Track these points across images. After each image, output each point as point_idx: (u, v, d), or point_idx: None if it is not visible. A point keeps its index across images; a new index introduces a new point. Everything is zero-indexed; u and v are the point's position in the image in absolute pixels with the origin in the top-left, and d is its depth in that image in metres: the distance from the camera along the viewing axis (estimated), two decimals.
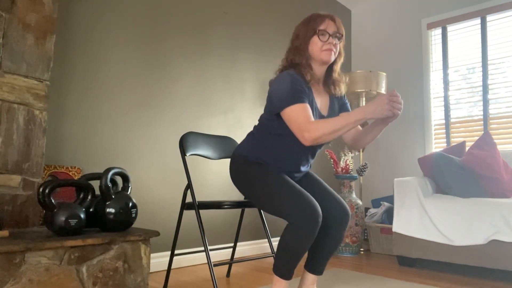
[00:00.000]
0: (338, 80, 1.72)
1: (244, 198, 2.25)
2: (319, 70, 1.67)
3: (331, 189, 1.75)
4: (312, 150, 1.70)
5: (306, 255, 1.71)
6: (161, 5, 2.65)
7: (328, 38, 1.62)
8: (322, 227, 1.64)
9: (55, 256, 1.44)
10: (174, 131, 2.66)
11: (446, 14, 3.64)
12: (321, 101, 1.70)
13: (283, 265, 1.51)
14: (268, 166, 1.63)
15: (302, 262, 2.13)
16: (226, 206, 1.87)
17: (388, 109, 1.44)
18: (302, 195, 1.48)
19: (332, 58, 1.65)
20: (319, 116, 1.66)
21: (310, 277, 1.71)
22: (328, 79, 1.72)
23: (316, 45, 1.62)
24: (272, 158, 1.65)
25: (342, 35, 1.66)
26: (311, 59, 1.64)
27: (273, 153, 1.65)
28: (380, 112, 1.44)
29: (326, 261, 1.70)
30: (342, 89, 1.74)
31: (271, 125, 1.65)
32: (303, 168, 1.73)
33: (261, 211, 2.30)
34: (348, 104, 1.83)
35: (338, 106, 1.77)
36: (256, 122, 1.77)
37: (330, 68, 1.71)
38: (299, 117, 1.49)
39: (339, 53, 1.69)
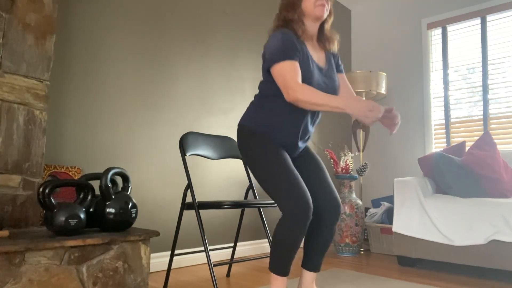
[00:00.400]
0: (330, 36, 1.76)
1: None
2: (311, 27, 1.69)
3: (328, 180, 1.74)
4: (311, 114, 1.69)
5: (303, 254, 1.72)
6: (161, 5, 2.65)
7: None
8: (313, 221, 1.67)
9: (55, 256, 1.44)
10: (174, 131, 2.66)
11: (446, 14, 3.64)
12: (318, 56, 1.72)
13: (277, 261, 1.53)
14: (270, 143, 1.63)
15: (300, 261, 2.13)
16: (226, 206, 1.87)
17: (367, 116, 1.44)
18: (298, 187, 1.50)
19: (325, 14, 1.67)
20: (317, 68, 1.66)
21: (309, 276, 1.72)
22: (321, 36, 1.75)
23: (309, 1, 1.63)
24: (272, 123, 1.64)
25: None
26: (304, 15, 1.66)
27: (273, 117, 1.64)
28: (360, 113, 1.44)
29: (322, 257, 1.72)
30: (335, 45, 1.77)
31: (269, 86, 1.65)
32: (304, 136, 1.71)
33: (261, 210, 2.30)
34: (342, 66, 1.85)
35: (334, 63, 1.80)
36: (258, 87, 1.76)
37: (321, 26, 1.74)
38: (286, 74, 1.52)
39: (330, 11, 1.72)
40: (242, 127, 1.71)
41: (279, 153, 1.61)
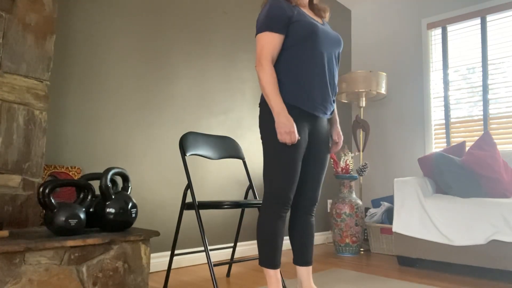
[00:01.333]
0: (322, 6, 1.79)
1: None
2: None
3: (321, 181, 1.78)
4: (329, 61, 1.67)
5: (292, 251, 1.78)
6: (161, 5, 2.65)
7: None
8: (293, 216, 1.76)
9: (55, 256, 1.44)
10: (174, 131, 2.66)
11: (446, 14, 3.64)
12: (315, 19, 1.74)
13: (264, 253, 1.60)
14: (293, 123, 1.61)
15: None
16: (226, 206, 1.87)
17: (282, 137, 1.53)
18: (289, 183, 1.58)
19: None
20: (315, 23, 1.64)
21: (303, 271, 1.74)
22: (312, 7, 1.78)
23: None
24: (292, 85, 1.60)
25: None
26: None
27: (294, 85, 1.61)
28: (278, 129, 1.53)
29: (308, 249, 1.75)
30: (326, 15, 1.81)
31: (280, 54, 1.64)
32: (328, 91, 1.66)
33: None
34: None
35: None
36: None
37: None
38: (263, 46, 1.58)
39: None
40: (262, 104, 1.67)
41: (293, 144, 1.61)
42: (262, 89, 1.58)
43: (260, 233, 1.61)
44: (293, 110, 1.60)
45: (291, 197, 1.61)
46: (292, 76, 1.60)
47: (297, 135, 1.54)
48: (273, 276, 1.58)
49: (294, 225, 1.75)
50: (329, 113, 1.71)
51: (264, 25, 1.58)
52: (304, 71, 1.60)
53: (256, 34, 1.62)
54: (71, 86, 2.20)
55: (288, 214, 2.69)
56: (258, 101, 3.23)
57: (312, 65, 1.61)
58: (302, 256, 1.75)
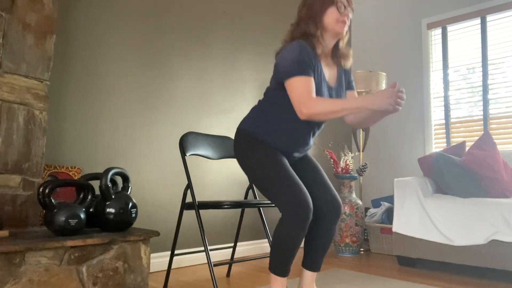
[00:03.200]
0: (345, 53, 1.74)
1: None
2: (330, 43, 1.68)
3: (327, 181, 1.74)
4: (316, 126, 1.69)
5: (303, 254, 1.72)
6: (161, 5, 2.65)
7: (344, 10, 1.63)
8: (314, 221, 1.66)
9: (55, 256, 1.44)
10: (174, 131, 2.66)
11: (446, 14, 3.64)
12: (329, 73, 1.70)
13: (278, 262, 1.53)
14: (269, 147, 1.62)
15: (300, 261, 2.13)
16: (226, 206, 1.87)
17: (390, 104, 1.42)
18: (297, 187, 1.49)
19: (345, 31, 1.66)
20: (327, 87, 1.65)
21: (309, 275, 1.72)
22: (336, 52, 1.73)
23: (332, 16, 1.62)
24: (274, 131, 1.63)
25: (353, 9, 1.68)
26: (324, 30, 1.63)
27: (275, 125, 1.63)
28: (383, 105, 1.43)
29: (322, 256, 1.72)
30: (349, 62, 1.76)
31: (277, 95, 1.64)
32: (308, 141, 1.71)
33: (261, 210, 2.30)
34: (353, 82, 1.84)
35: (345, 80, 1.79)
36: (264, 93, 1.74)
37: (337, 41, 1.72)
38: (301, 90, 1.50)
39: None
40: (241, 131, 1.69)
41: (277, 156, 1.61)
42: (334, 114, 1.47)
43: (279, 242, 1.49)
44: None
45: (310, 199, 1.49)
46: (274, 123, 1.63)
47: (398, 90, 1.43)
48: (280, 284, 1.55)
49: (315, 230, 1.67)
50: (295, 159, 1.74)
51: (297, 69, 1.52)
52: (290, 126, 1.62)
53: (286, 78, 1.54)
54: (71, 86, 2.20)
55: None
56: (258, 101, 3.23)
57: (299, 130, 1.64)
58: (313, 262, 1.70)
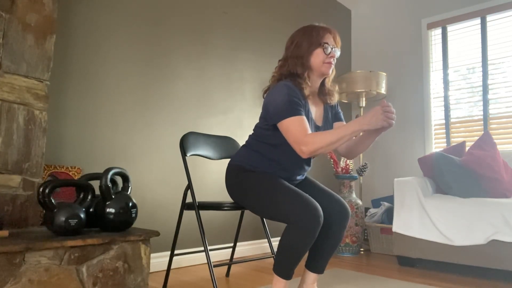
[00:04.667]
0: (331, 90, 1.77)
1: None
2: (316, 82, 1.71)
3: (329, 189, 1.76)
4: (304, 162, 1.72)
5: (306, 254, 1.72)
6: (161, 5, 2.65)
7: (330, 52, 1.65)
8: (322, 226, 1.64)
9: (55, 256, 1.44)
10: (174, 131, 2.66)
11: (446, 14, 3.64)
12: (316, 112, 1.73)
13: (284, 265, 1.52)
14: (264, 173, 1.65)
15: (303, 261, 2.13)
16: (226, 208, 1.85)
17: (382, 119, 1.46)
18: (302, 197, 1.48)
19: (330, 72, 1.69)
20: (314, 126, 1.68)
21: (311, 276, 1.72)
22: (322, 90, 1.76)
23: (318, 57, 1.64)
24: (268, 167, 1.66)
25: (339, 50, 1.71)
26: (311, 70, 1.67)
27: (269, 162, 1.67)
28: (375, 123, 1.46)
29: (327, 259, 1.71)
30: (335, 98, 1.78)
31: (267, 134, 1.66)
32: (298, 177, 1.76)
33: None
34: (341, 113, 1.86)
35: (331, 115, 1.81)
36: (254, 129, 1.77)
37: (323, 79, 1.75)
38: (296, 130, 1.51)
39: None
40: (231, 166, 1.72)
41: (273, 176, 1.63)
42: (333, 145, 1.49)
43: (287, 247, 1.48)
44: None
45: (317, 204, 1.47)
46: (269, 160, 1.66)
47: (381, 106, 1.46)
48: (283, 285, 1.54)
49: (323, 236, 1.66)
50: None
51: (289, 111, 1.53)
52: (282, 163, 1.66)
53: (278, 121, 1.55)
54: (71, 86, 2.20)
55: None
56: (258, 101, 3.23)
57: (290, 166, 1.67)
58: (317, 264, 1.70)
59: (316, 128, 1.69)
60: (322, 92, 1.76)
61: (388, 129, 1.53)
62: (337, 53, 1.68)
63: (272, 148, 1.66)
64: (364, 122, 1.47)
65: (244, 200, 1.66)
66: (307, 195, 1.51)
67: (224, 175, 2.93)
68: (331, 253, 1.70)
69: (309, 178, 1.84)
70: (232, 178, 1.69)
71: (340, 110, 1.85)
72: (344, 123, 1.82)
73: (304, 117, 1.55)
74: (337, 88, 1.79)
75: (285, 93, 1.56)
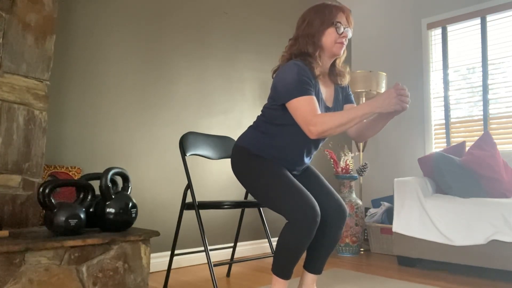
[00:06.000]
0: (342, 71, 1.72)
1: (246, 192, 2.27)
2: (326, 63, 1.66)
3: (330, 187, 1.74)
4: (315, 141, 1.68)
5: (305, 255, 1.72)
6: (161, 5, 2.65)
7: (343, 32, 1.60)
8: (319, 226, 1.64)
9: (55, 256, 1.44)
10: (174, 131, 2.66)
11: (446, 14, 3.64)
12: (327, 92, 1.69)
13: (282, 265, 1.52)
14: (269, 160, 1.62)
15: (301, 262, 2.13)
16: (226, 206, 1.87)
17: (396, 103, 1.41)
18: (302, 194, 1.48)
19: (342, 52, 1.64)
20: (324, 107, 1.65)
21: (310, 277, 1.71)
22: (333, 71, 1.72)
23: (330, 37, 1.59)
24: (274, 150, 1.63)
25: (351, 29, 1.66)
26: (322, 50, 1.62)
27: (276, 144, 1.63)
28: (388, 106, 1.41)
29: (325, 260, 1.71)
30: (346, 80, 1.73)
31: (275, 115, 1.63)
32: (306, 160, 1.71)
33: (261, 210, 2.30)
34: (352, 96, 1.82)
35: (342, 97, 1.77)
36: (262, 110, 1.73)
37: (334, 60, 1.70)
38: (305, 110, 1.48)
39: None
40: (238, 147, 1.69)
41: (277, 166, 1.60)
42: (343, 127, 1.45)
43: (285, 245, 1.48)
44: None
45: (315, 204, 1.48)
46: (274, 144, 1.63)
47: (396, 89, 1.42)
48: (282, 285, 1.54)
49: (320, 235, 1.66)
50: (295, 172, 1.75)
51: (298, 90, 1.49)
52: (289, 146, 1.63)
53: (287, 101, 1.52)
54: (71, 86, 2.20)
55: None
56: (258, 101, 3.23)
57: (296, 149, 1.64)
58: (315, 265, 1.70)
59: (326, 109, 1.65)
60: (333, 73, 1.71)
61: (399, 113, 1.47)
62: (350, 33, 1.62)
63: (280, 128, 1.62)
64: (376, 104, 1.42)
65: (246, 183, 1.65)
66: (307, 192, 1.50)
67: (223, 175, 2.93)
68: (328, 253, 1.69)
69: (314, 171, 1.80)
70: (238, 160, 1.67)
71: (351, 92, 1.81)
72: (355, 105, 1.77)
73: (314, 97, 1.51)
74: (348, 69, 1.74)
75: (295, 72, 1.52)
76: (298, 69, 1.53)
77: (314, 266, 1.70)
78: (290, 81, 1.52)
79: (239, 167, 1.67)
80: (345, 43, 1.62)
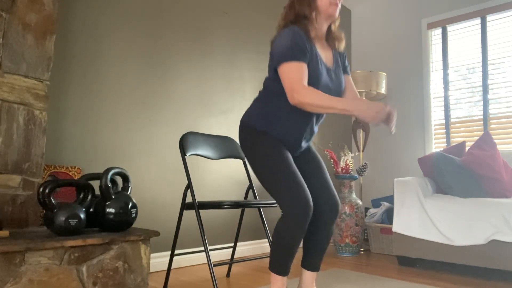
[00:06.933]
0: (338, 35, 1.76)
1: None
2: (323, 26, 1.69)
3: (327, 179, 1.74)
4: (316, 115, 1.69)
5: (303, 254, 1.72)
6: (161, 5, 2.65)
7: None
8: (313, 221, 1.68)
9: (55, 256, 1.44)
10: (174, 131, 2.66)
11: (446, 14, 3.64)
12: (326, 55, 1.71)
13: (277, 260, 1.54)
14: (273, 140, 1.63)
15: (300, 262, 2.13)
16: (226, 206, 1.87)
17: (374, 118, 1.45)
18: (298, 186, 1.50)
19: (337, 14, 1.67)
20: (325, 68, 1.65)
21: (308, 275, 1.72)
22: (329, 35, 1.75)
23: None
24: (276, 122, 1.63)
25: None
26: (318, 12, 1.64)
27: (278, 116, 1.63)
28: (366, 116, 1.45)
29: (321, 256, 1.72)
30: (342, 44, 1.77)
31: (275, 85, 1.64)
32: (305, 138, 1.71)
33: (261, 210, 2.30)
34: (348, 68, 1.84)
35: (341, 63, 1.79)
36: (263, 83, 1.74)
37: (329, 26, 1.74)
38: (293, 76, 1.50)
39: None
40: (244, 122, 1.70)
41: (281, 152, 1.61)
42: (320, 109, 1.48)
43: (278, 240, 1.51)
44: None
45: (310, 198, 1.51)
46: (279, 117, 1.63)
47: (387, 108, 1.46)
48: (280, 283, 1.56)
49: (313, 230, 1.69)
50: (300, 150, 1.74)
51: (289, 55, 1.52)
52: (291, 117, 1.63)
53: (278, 65, 1.54)
54: (71, 86, 2.20)
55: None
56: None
57: (300, 119, 1.64)
58: (312, 261, 1.71)
59: (327, 70, 1.67)
60: (330, 37, 1.74)
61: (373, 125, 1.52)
62: None
63: (280, 98, 1.62)
64: (358, 108, 1.45)
65: (250, 162, 1.67)
66: (304, 186, 1.52)
67: (223, 175, 2.93)
68: (323, 248, 1.71)
69: (316, 156, 1.79)
70: (245, 138, 1.68)
71: (348, 63, 1.84)
72: (350, 78, 1.82)
73: (305, 65, 1.54)
74: (343, 34, 1.77)
75: (289, 38, 1.54)
76: (292, 34, 1.56)
77: (311, 263, 1.72)
78: (282, 46, 1.55)
79: (246, 146, 1.67)
80: (339, 5, 1.66)
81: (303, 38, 1.57)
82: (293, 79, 1.50)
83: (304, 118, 1.65)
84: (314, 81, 1.57)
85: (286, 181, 1.51)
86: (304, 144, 1.73)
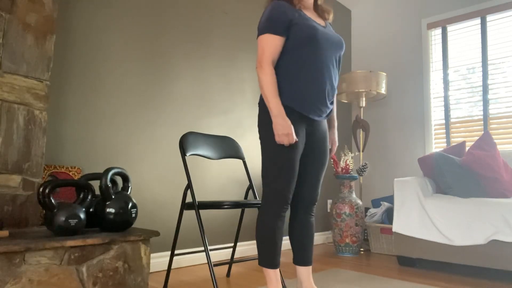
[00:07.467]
0: (325, 7, 1.80)
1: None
2: None
3: (320, 179, 1.77)
4: (331, 79, 1.68)
5: (292, 251, 1.79)
6: (161, 5, 2.65)
7: None
8: (293, 215, 1.76)
9: (55, 256, 1.44)
10: (174, 131, 2.66)
11: (446, 14, 3.64)
12: (318, 21, 1.73)
13: (262, 254, 1.61)
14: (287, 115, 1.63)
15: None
16: (226, 206, 1.87)
17: (279, 137, 1.54)
18: (284, 182, 1.58)
19: None
20: (320, 26, 1.67)
21: (303, 270, 1.74)
22: (316, 6, 1.78)
23: None
24: (295, 88, 1.62)
25: None
26: None
27: (293, 82, 1.62)
28: (276, 130, 1.55)
29: (308, 249, 1.75)
30: (331, 16, 1.81)
31: (283, 58, 1.65)
32: (328, 95, 1.67)
33: None
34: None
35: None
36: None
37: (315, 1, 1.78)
38: (265, 51, 1.59)
39: None
40: (263, 103, 1.69)
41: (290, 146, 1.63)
42: (261, 90, 1.59)
43: (260, 232, 1.62)
44: (290, 111, 1.62)
45: (290, 197, 1.61)
46: (289, 79, 1.62)
47: (294, 137, 1.55)
48: (273, 276, 1.60)
49: (294, 225, 1.76)
50: (324, 115, 1.72)
51: (265, 28, 1.59)
52: (302, 75, 1.61)
53: (258, 36, 1.63)
54: (71, 86, 2.20)
55: (288, 213, 2.69)
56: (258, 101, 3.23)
57: (311, 69, 1.62)
58: (302, 256, 1.75)
59: (323, 27, 1.68)
60: (317, 9, 1.78)
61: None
62: None
63: (293, 70, 1.63)
64: (278, 117, 1.54)
65: (261, 146, 1.70)
66: (292, 184, 1.60)
67: (223, 175, 2.93)
68: (307, 242, 1.75)
69: (325, 161, 1.77)
70: (260, 114, 1.69)
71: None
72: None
73: (280, 37, 1.59)
74: (331, 10, 1.82)
75: (269, 10, 1.61)
76: (271, 8, 1.62)
77: (301, 258, 1.75)
78: (261, 21, 1.63)
79: (260, 123, 1.69)
80: None
81: (284, 9, 1.61)
82: (264, 54, 1.59)
83: (317, 72, 1.64)
84: (311, 31, 1.60)
85: (278, 174, 1.59)
86: (328, 103, 1.69)
